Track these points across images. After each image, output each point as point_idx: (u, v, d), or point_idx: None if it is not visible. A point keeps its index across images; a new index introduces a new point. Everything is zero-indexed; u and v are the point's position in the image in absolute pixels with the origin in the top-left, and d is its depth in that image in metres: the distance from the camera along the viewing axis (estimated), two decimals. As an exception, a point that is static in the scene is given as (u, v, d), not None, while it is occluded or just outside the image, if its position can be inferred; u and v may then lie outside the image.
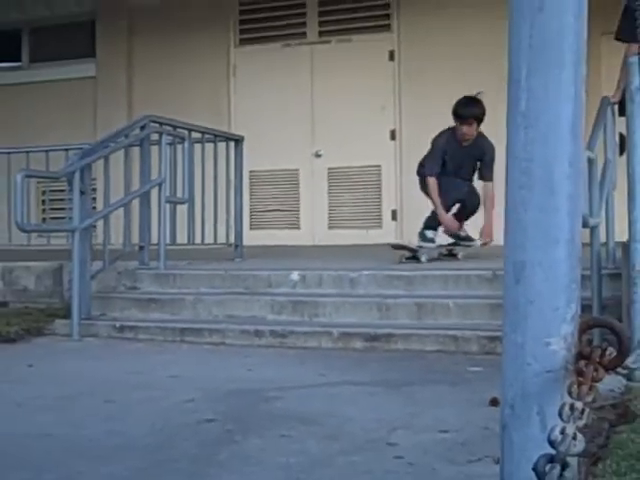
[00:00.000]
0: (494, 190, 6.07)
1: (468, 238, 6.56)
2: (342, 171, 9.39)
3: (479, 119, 6.19)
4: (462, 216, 6.48)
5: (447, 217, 6.31)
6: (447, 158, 6.26)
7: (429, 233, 6.33)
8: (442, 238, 6.56)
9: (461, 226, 6.51)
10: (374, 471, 2.56)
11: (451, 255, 6.58)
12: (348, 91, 9.27)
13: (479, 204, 6.39)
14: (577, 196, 1.50)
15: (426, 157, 6.43)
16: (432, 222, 6.35)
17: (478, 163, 6.35)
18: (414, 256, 6.21)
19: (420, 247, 6.27)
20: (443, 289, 5.33)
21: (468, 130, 6.18)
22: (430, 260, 6.22)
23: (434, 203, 6.28)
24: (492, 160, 6.23)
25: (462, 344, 4.66)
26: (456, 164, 6.29)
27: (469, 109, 6.20)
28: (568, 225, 1.49)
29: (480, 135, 6.27)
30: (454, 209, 6.38)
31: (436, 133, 6.40)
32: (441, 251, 6.57)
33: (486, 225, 6.22)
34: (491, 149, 6.24)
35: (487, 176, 6.29)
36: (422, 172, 6.42)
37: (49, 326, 5.73)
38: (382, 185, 9.23)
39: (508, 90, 1.51)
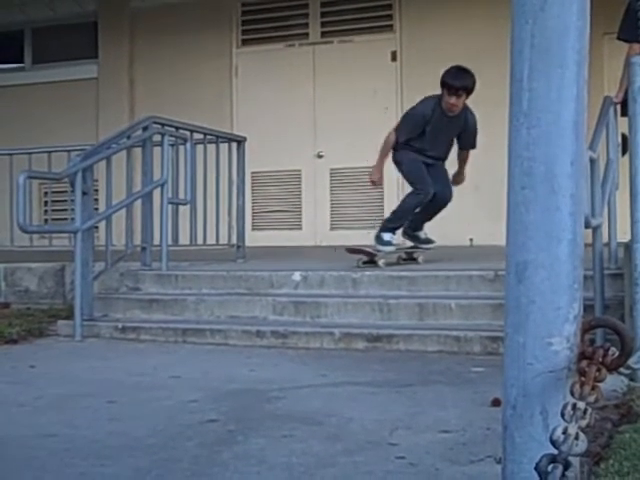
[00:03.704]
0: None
1: (428, 240, 6.33)
2: (344, 172, 9.39)
3: (469, 91, 5.85)
4: (429, 214, 6.19)
5: (377, 167, 6.04)
6: (428, 128, 5.94)
7: (386, 236, 6.03)
8: (402, 241, 6.41)
9: (422, 227, 6.29)
10: (376, 471, 2.56)
11: (411, 259, 6.31)
12: (350, 92, 9.27)
13: (450, 199, 6.12)
14: (579, 195, 1.50)
15: (403, 122, 6.13)
16: (390, 224, 6.12)
17: (455, 136, 6.06)
18: (371, 260, 5.91)
19: (378, 251, 5.95)
20: (445, 289, 5.33)
21: (456, 102, 5.84)
22: (388, 264, 5.94)
23: (379, 157, 6.03)
24: (475, 132, 6.04)
25: (464, 345, 4.66)
26: (436, 135, 5.96)
27: (460, 80, 5.83)
28: (570, 225, 1.49)
29: (465, 107, 5.95)
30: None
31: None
32: (400, 255, 6.29)
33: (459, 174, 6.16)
34: (474, 122, 6.02)
35: (469, 145, 6.09)
36: (391, 139, 6.03)
37: (51, 327, 5.75)
38: (384, 186, 9.20)
39: (510, 90, 1.51)
